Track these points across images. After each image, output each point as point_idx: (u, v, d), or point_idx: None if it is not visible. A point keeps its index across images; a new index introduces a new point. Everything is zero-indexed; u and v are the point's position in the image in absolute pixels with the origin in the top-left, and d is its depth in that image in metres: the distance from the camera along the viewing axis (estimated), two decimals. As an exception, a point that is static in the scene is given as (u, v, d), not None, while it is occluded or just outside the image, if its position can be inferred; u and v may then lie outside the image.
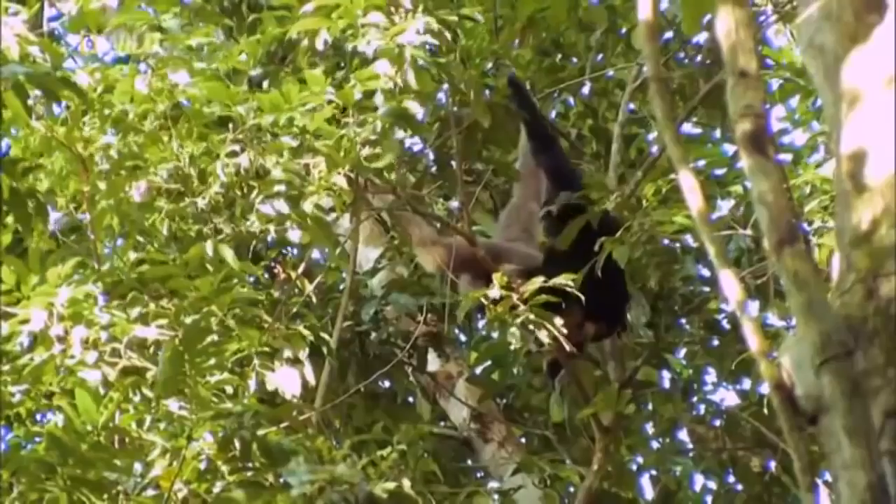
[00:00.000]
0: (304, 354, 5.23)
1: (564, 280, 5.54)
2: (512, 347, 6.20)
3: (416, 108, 5.19)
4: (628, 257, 6.01)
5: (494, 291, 5.55)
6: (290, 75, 5.52)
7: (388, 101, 5.18)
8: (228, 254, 5.13)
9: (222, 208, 5.20)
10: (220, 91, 5.25)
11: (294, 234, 5.55)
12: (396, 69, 5.17)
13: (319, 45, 5.33)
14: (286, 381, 5.13)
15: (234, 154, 5.14)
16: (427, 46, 5.23)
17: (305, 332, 5.26)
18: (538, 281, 5.56)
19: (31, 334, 4.78)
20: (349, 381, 6.58)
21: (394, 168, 5.36)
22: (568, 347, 5.70)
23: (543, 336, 5.62)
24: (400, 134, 5.28)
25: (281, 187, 5.12)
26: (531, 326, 5.62)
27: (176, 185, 5.20)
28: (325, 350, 5.77)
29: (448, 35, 5.30)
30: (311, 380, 5.28)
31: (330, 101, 5.16)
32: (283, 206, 5.13)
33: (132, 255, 5.34)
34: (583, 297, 5.64)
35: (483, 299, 5.58)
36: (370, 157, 5.18)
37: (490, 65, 5.59)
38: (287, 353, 5.18)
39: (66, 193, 5.30)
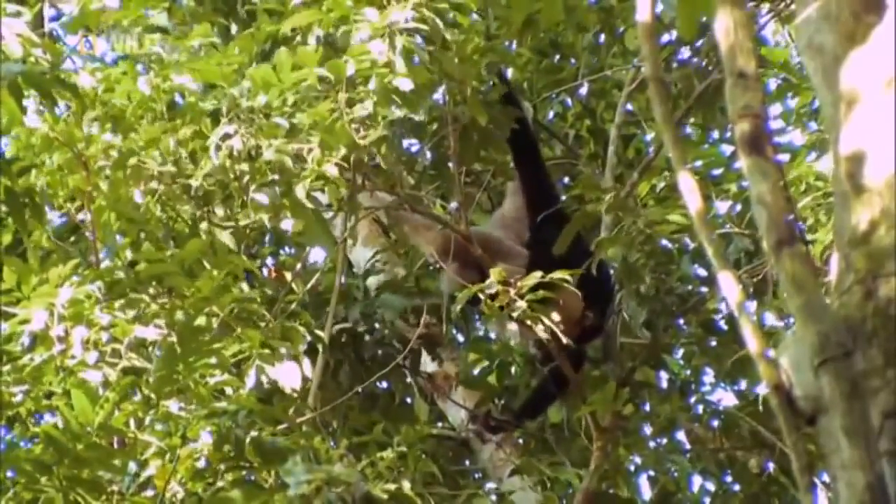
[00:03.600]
0: (302, 349, 5.22)
1: (562, 275, 5.53)
2: (512, 343, 6.19)
3: (406, 85, 5.15)
4: (625, 258, 6.02)
5: (492, 285, 5.54)
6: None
7: (379, 80, 5.15)
8: (226, 237, 5.11)
9: (216, 190, 5.17)
10: (214, 72, 5.22)
11: (287, 224, 5.52)
12: (389, 50, 5.15)
13: (312, 41, 5.31)
14: (286, 375, 5.12)
15: (226, 136, 5.10)
16: (418, 36, 5.21)
17: (301, 330, 5.26)
18: (536, 275, 5.55)
19: (31, 334, 4.78)
20: (342, 381, 6.56)
21: (385, 141, 5.31)
22: (565, 340, 5.69)
23: (540, 331, 5.61)
24: (396, 112, 5.24)
25: (274, 175, 5.09)
26: (528, 322, 5.61)
27: (168, 167, 5.17)
28: (319, 347, 5.75)
29: (440, 23, 5.27)
30: (310, 374, 5.27)
31: (322, 79, 5.14)
32: (276, 197, 5.11)
33: (129, 255, 5.32)
34: (579, 293, 5.67)
35: (480, 294, 5.57)
36: (363, 136, 5.15)
37: (486, 63, 5.55)
38: (284, 351, 5.17)
39: (64, 193, 5.29)
